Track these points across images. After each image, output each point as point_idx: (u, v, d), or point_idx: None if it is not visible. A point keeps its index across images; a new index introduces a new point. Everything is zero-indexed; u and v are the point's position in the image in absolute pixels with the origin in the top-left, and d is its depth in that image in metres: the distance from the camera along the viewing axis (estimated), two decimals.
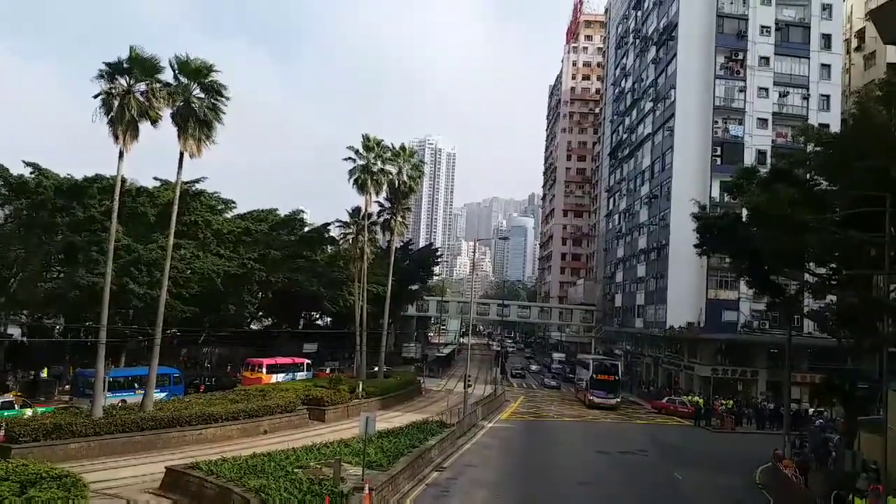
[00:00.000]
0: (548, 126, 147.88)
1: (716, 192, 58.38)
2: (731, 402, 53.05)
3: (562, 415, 50.10)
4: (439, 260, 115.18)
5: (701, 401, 52.60)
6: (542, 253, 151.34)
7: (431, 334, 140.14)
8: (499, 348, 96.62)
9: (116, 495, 19.67)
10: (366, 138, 51.09)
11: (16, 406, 32.95)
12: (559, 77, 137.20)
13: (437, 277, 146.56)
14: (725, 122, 61.88)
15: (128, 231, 43.02)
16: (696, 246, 37.66)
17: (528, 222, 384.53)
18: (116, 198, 30.67)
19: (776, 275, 34.55)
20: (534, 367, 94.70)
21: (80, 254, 41.32)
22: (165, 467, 22.27)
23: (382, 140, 51.93)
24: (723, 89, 62.22)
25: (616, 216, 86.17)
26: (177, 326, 47.33)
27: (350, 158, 50.50)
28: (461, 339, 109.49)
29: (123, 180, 36.24)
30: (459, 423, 36.04)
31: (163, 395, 37.46)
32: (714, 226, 35.98)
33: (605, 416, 50.88)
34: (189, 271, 47.49)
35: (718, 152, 61.10)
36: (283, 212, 67.69)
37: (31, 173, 41.48)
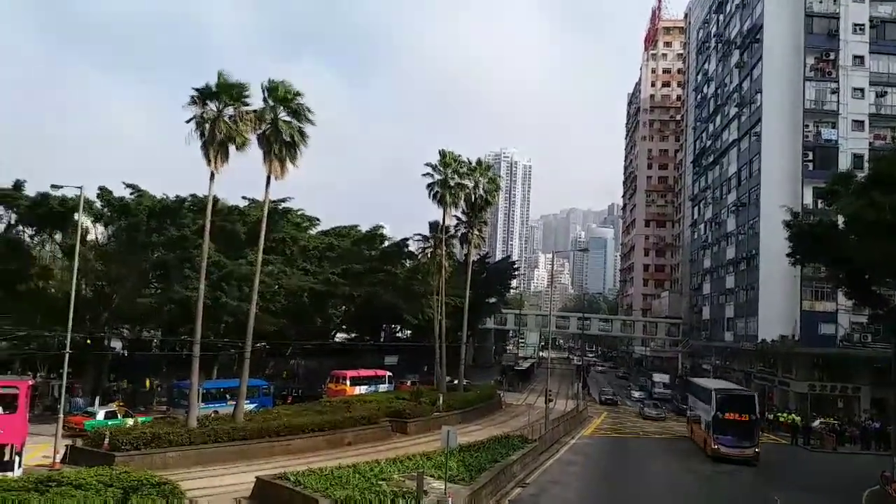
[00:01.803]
0: (627, 134, 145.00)
1: (808, 199, 55.52)
2: (833, 419, 50.00)
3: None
4: (516, 273, 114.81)
5: (798, 418, 49.85)
6: (624, 264, 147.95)
7: (510, 347, 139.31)
8: (580, 363, 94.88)
9: None
10: (442, 154, 51.84)
11: (118, 416, 34.91)
12: (638, 84, 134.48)
13: (514, 290, 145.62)
14: (817, 126, 58.88)
15: (219, 248, 44.97)
16: (788, 255, 35.95)
17: (608, 233, 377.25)
18: (208, 217, 32.18)
19: (878, 285, 32.47)
20: (636, 395, 74.26)
21: (174, 271, 43.51)
22: (255, 477, 23.00)
23: (459, 155, 52.66)
24: (813, 91, 59.29)
25: (701, 225, 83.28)
26: (265, 339, 49.04)
27: (428, 174, 51.55)
28: (541, 353, 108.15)
29: (215, 200, 37.99)
30: (541, 438, 35.57)
31: (253, 406, 38.81)
32: (808, 234, 34.25)
33: (682, 422, 48.41)
34: (277, 286, 49.13)
35: (810, 157, 58.16)
36: (363, 228, 69.32)
37: (130, 194, 44.14)
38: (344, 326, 70.52)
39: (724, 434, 37.12)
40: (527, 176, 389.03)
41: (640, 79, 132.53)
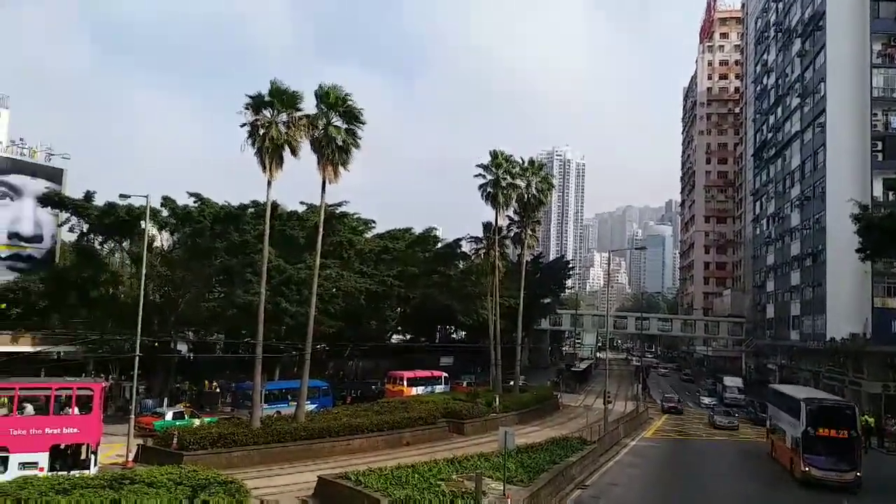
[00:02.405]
0: (684, 129, 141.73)
1: (878, 191, 53.12)
2: None
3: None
4: (571, 272, 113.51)
5: (872, 420, 47.70)
6: (683, 262, 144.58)
7: (566, 348, 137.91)
8: (639, 363, 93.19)
9: (275, 502, 21.00)
10: (494, 154, 51.75)
11: (185, 416, 36.16)
12: (694, 78, 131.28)
13: (569, 290, 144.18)
14: (886, 114, 56.17)
15: (279, 253, 46.10)
16: (858, 250, 34.54)
17: (666, 230, 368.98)
18: (267, 222, 33.04)
19: None
20: (706, 401, 67.26)
21: (237, 276, 44.82)
22: (317, 476, 23.48)
23: (511, 155, 52.44)
24: (881, 79, 56.60)
25: (764, 221, 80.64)
26: (324, 341, 49.94)
27: (480, 175, 51.50)
28: (598, 354, 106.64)
29: (274, 206, 38.96)
30: (601, 440, 35.13)
31: (314, 406, 39.62)
32: (878, 227, 32.80)
33: (760, 433, 46.49)
34: (334, 289, 50.02)
35: (879, 147, 55.55)
36: (417, 230, 69.84)
37: (194, 203, 45.70)
38: (399, 328, 71.24)
39: (816, 454, 30.02)
40: (580, 174, 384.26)
41: (695, 72, 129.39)
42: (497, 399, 45.62)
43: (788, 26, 72.28)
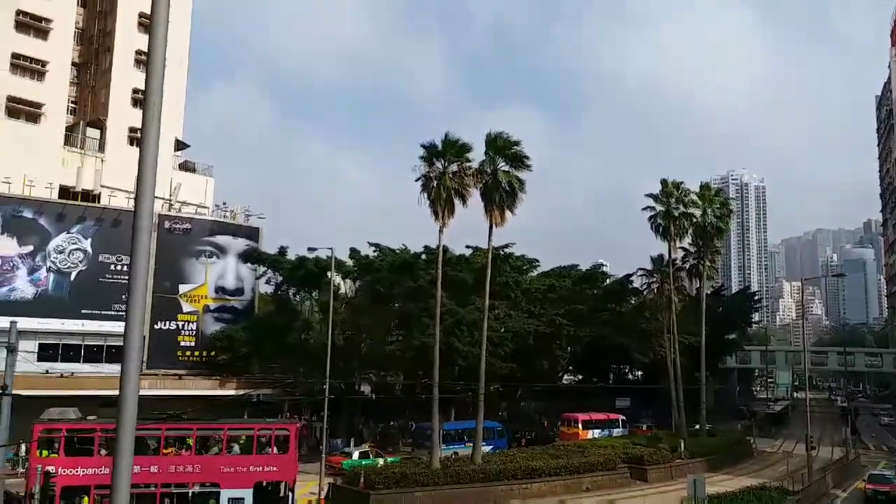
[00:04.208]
0: (879, 141, 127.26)
1: None
2: None
3: None
4: (758, 305, 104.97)
5: None
6: (891, 289, 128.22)
7: (756, 389, 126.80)
8: (845, 404, 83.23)
9: None
10: (664, 183, 49.83)
11: (370, 456, 37.89)
12: (887, 84, 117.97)
13: (757, 325, 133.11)
14: None
15: (450, 296, 47.52)
16: None
17: (867, 254, 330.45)
18: (440, 268, 34.31)
19: None
20: None
21: (414, 320, 46.77)
22: None
23: (682, 183, 50.16)
24: None
25: None
26: (496, 382, 50.32)
27: (648, 206, 49.69)
28: (795, 394, 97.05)
29: (445, 251, 40.37)
30: (805, 490, 31.68)
31: (489, 447, 39.81)
32: None
33: None
34: (503, 329, 50.41)
35: None
36: (583, 266, 68.53)
37: (373, 251, 48.69)
38: (570, 368, 69.78)
39: None
40: (760, 198, 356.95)
41: (888, 78, 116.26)
42: (682, 444, 42.90)
43: None
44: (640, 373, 74.32)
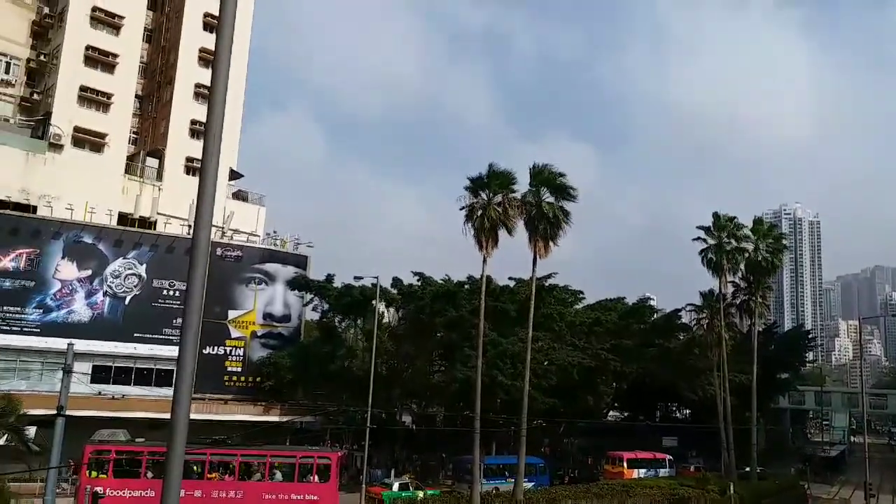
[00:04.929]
0: None
1: None
2: None
3: None
4: (812, 344, 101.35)
5: None
6: None
7: (811, 431, 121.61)
8: None
9: None
10: (715, 216, 49.11)
11: (410, 488, 37.58)
12: None
13: (811, 364, 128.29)
14: None
15: (492, 327, 47.29)
16: None
17: None
18: (483, 298, 34.26)
19: None
20: None
21: (456, 350, 46.62)
22: None
23: (735, 217, 49.37)
24: None
25: None
26: (538, 417, 49.63)
27: (699, 238, 48.96)
28: (852, 438, 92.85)
29: (488, 282, 40.34)
30: None
31: (531, 484, 39.08)
32: None
33: None
34: (546, 362, 49.76)
35: None
36: (629, 299, 67.39)
37: (417, 281, 48.95)
38: (616, 405, 68.22)
39: None
40: (814, 233, 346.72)
41: None
42: (731, 487, 41.31)
43: None
44: (687, 411, 72.23)
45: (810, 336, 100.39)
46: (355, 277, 36.20)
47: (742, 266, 49.55)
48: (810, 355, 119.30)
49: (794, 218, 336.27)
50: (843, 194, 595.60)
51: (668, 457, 52.86)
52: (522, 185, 34.74)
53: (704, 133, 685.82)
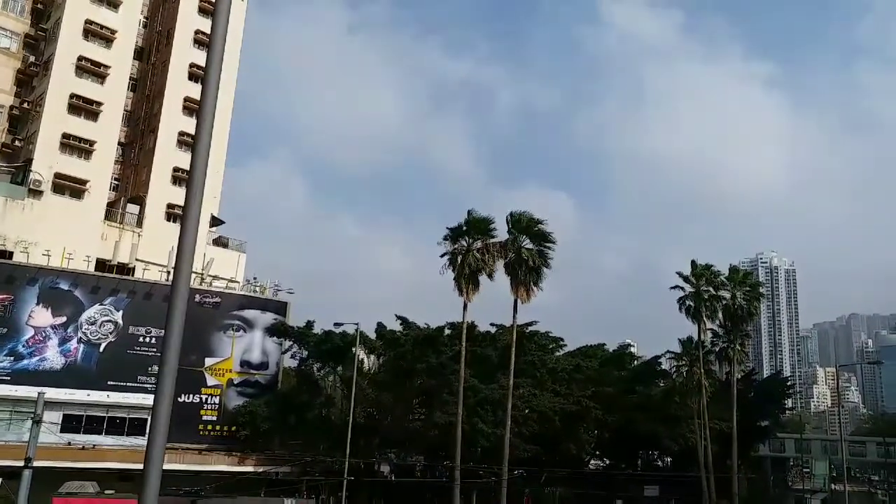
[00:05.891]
0: None
1: None
2: None
3: None
4: (791, 391, 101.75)
5: None
6: None
7: (792, 479, 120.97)
8: (885, 499, 79.02)
9: None
10: (693, 265, 49.91)
11: None
12: None
13: (790, 411, 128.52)
14: None
15: (473, 373, 47.07)
16: None
17: None
18: (463, 345, 34.34)
19: None
20: None
21: (435, 397, 46.24)
22: None
23: (712, 265, 50.23)
24: None
25: None
26: (519, 466, 49.02)
27: (677, 287, 49.57)
28: (833, 486, 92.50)
29: (470, 328, 40.40)
30: None
31: None
32: None
33: None
34: (527, 409, 49.44)
35: None
36: (610, 346, 67.55)
37: (400, 325, 48.81)
38: (597, 452, 67.61)
39: None
40: (791, 281, 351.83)
41: None
42: None
43: None
44: (669, 459, 71.72)
45: (789, 383, 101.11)
46: (335, 324, 36.13)
47: (720, 314, 50.13)
48: (789, 402, 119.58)
49: (770, 266, 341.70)
50: (818, 243, 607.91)
51: None
52: (502, 233, 35.32)
53: (682, 183, 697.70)
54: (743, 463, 70.07)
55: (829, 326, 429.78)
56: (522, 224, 34.81)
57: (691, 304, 48.60)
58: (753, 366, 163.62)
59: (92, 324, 47.54)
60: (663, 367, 64.53)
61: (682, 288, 49.35)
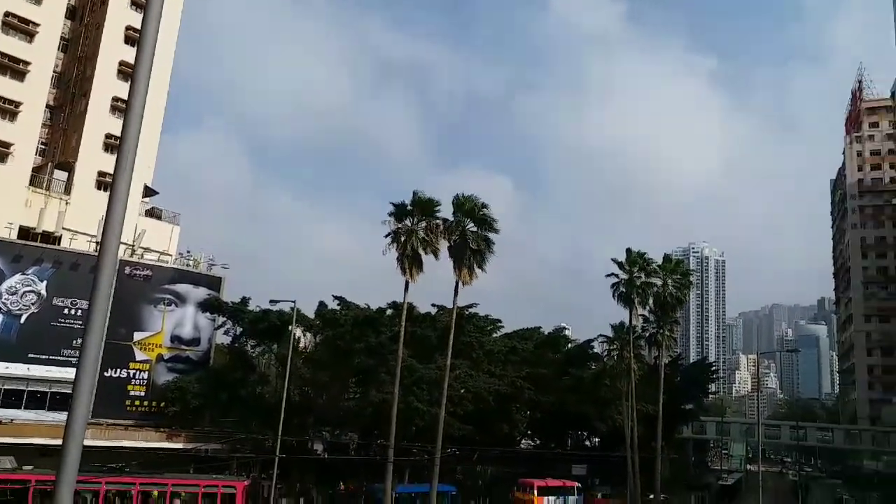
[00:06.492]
0: (833, 223, 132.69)
1: None
2: None
3: None
4: (714, 376, 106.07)
5: None
6: (843, 366, 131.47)
7: (711, 460, 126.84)
8: (796, 478, 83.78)
9: None
10: (628, 252, 51.11)
11: None
12: (842, 170, 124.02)
13: (713, 396, 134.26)
14: None
15: (412, 353, 47.27)
16: None
17: (821, 330, 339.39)
18: (403, 324, 34.38)
19: None
20: None
21: (372, 376, 46.25)
22: None
23: (645, 253, 51.54)
24: None
25: None
26: (453, 444, 49.68)
27: (613, 274, 50.71)
28: (748, 467, 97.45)
29: (410, 308, 40.46)
30: None
31: None
32: None
33: None
34: (463, 390, 50.05)
35: None
36: (546, 330, 68.89)
37: (337, 305, 48.40)
38: (529, 432, 69.15)
39: None
40: (720, 271, 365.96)
41: (843, 163, 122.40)
42: None
43: None
44: (597, 439, 73.98)
45: (713, 369, 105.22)
46: (271, 301, 35.63)
47: (651, 300, 51.61)
48: (713, 387, 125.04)
49: (701, 256, 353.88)
50: (746, 237, 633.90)
51: (577, 484, 53.87)
52: (446, 216, 35.35)
53: (618, 173, 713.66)
54: (667, 444, 72.91)
55: (753, 316, 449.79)
56: (467, 207, 34.96)
57: (624, 290, 49.82)
58: (681, 351, 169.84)
59: (13, 294, 45.37)
60: (595, 350, 66.34)
61: (617, 275, 50.52)
